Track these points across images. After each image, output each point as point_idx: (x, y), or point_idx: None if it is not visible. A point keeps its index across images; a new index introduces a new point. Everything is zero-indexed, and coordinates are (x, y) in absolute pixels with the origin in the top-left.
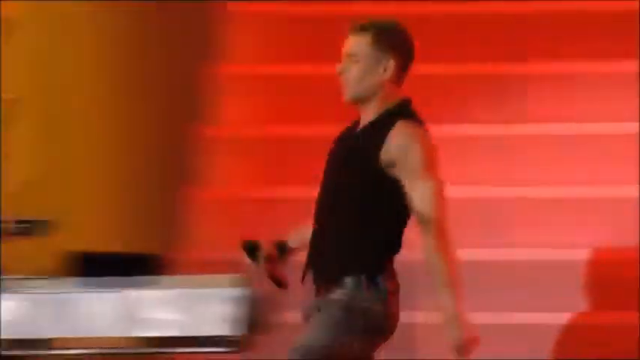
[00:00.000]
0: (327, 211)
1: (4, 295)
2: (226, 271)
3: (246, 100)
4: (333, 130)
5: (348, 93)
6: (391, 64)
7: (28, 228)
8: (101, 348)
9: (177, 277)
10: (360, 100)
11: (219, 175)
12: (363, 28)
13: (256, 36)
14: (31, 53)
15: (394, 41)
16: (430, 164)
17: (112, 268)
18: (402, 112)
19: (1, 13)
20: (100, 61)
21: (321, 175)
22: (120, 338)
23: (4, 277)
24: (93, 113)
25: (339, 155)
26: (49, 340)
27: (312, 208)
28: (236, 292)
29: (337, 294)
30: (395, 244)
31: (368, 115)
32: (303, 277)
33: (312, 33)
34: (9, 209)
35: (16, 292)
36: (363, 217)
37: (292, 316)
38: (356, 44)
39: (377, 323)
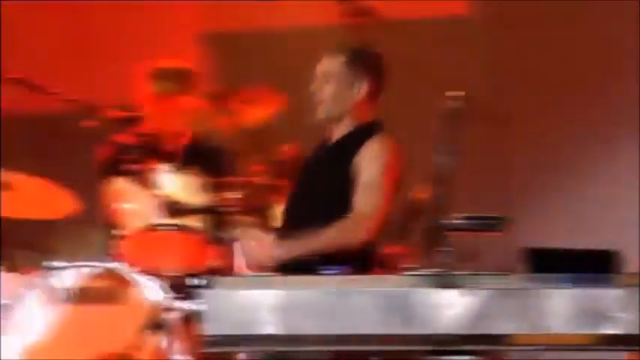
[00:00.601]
0: (304, 220)
1: (461, 291)
2: None
3: None
4: None
5: (322, 112)
6: (364, 85)
7: (485, 224)
8: (556, 345)
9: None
10: (332, 119)
11: None
12: (338, 50)
13: None
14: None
15: (368, 64)
16: (386, 182)
17: (563, 264)
18: (374, 129)
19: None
20: None
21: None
22: (575, 335)
23: (458, 272)
24: None
25: (310, 168)
26: (509, 336)
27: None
28: None
29: None
30: None
31: (339, 132)
32: None
33: None
34: None
35: (473, 287)
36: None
37: None
38: (330, 65)
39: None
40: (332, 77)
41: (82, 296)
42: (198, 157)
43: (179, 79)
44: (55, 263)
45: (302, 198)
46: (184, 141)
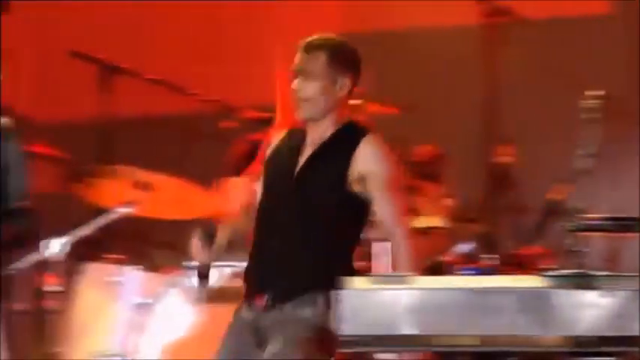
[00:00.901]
0: (290, 229)
1: (600, 292)
2: None
3: None
4: None
5: (306, 112)
6: (347, 82)
7: (623, 225)
8: None
9: None
10: (316, 118)
11: None
12: (316, 47)
13: None
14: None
15: (349, 59)
16: (396, 178)
17: None
18: (358, 128)
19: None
20: None
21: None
22: None
23: (597, 273)
24: None
25: (292, 170)
26: None
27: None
28: None
29: (306, 312)
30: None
31: (320, 131)
32: (250, 293)
33: None
34: None
35: (612, 288)
36: (335, 234)
37: None
38: (310, 62)
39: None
40: (313, 75)
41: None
42: None
43: None
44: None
45: (287, 204)
46: None
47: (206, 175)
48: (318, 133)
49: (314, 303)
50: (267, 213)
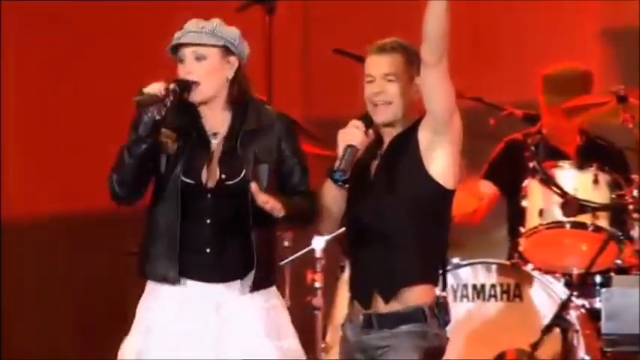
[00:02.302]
0: (383, 235)
1: None
2: None
3: None
4: None
5: (390, 114)
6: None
7: None
8: None
9: None
10: (395, 121)
11: None
12: (392, 49)
13: None
14: None
15: (419, 60)
16: None
17: None
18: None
19: None
20: None
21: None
22: None
23: None
24: None
25: (371, 178)
26: None
27: None
28: None
29: (413, 326)
30: None
31: (398, 128)
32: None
33: None
34: None
35: None
36: (426, 233)
37: None
38: (391, 64)
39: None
40: (395, 77)
41: (484, 293)
42: (597, 154)
43: (572, 85)
44: (455, 260)
45: (381, 210)
46: (582, 139)
47: (473, 172)
48: (393, 135)
49: (421, 317)
50: (357, 223)
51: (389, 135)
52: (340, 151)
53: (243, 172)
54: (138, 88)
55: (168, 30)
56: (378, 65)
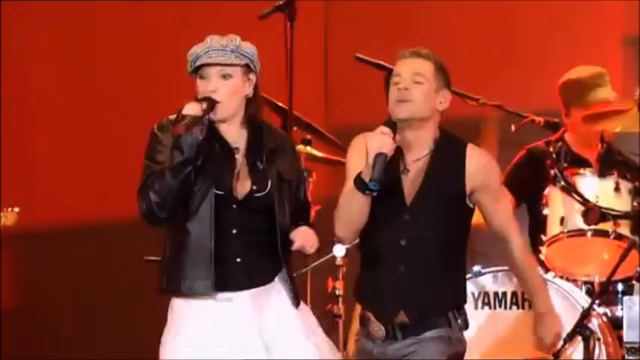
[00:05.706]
0: (413, 254)
1: None
2: None
3: None
4: None
5: (407, 111)
6: (447, 97)
7: None
8: None
9: None
10: (417, 120)
11: None
12: (425, 56)
13: None
14: None
15: (448, 78)
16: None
17: None
18: (455, 138)
19: None
20: None
21: None
22: None
23: None
24: None
25: (401, 192)
26: None
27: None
28: None
29: (438, 331)
30: None
31: (421, 139)
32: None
33: None
34: None
35: None
36: (457, 252)
37: None
38: (422, 67)
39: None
40: (424, 79)
41: (506, 301)
42: (617, 161)
43: (594, 86)
44: (476, 268)
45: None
46: (603, 146)
47: None
48: (420, 142)
49: (445, 322)
50: (382, 238)
51: (414, 141)
52: (371, 160)
53: (269, 185)
54: (170, 111)
55: (186, 33)
56: (409, 66)
